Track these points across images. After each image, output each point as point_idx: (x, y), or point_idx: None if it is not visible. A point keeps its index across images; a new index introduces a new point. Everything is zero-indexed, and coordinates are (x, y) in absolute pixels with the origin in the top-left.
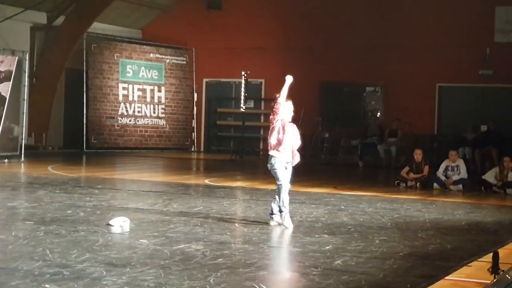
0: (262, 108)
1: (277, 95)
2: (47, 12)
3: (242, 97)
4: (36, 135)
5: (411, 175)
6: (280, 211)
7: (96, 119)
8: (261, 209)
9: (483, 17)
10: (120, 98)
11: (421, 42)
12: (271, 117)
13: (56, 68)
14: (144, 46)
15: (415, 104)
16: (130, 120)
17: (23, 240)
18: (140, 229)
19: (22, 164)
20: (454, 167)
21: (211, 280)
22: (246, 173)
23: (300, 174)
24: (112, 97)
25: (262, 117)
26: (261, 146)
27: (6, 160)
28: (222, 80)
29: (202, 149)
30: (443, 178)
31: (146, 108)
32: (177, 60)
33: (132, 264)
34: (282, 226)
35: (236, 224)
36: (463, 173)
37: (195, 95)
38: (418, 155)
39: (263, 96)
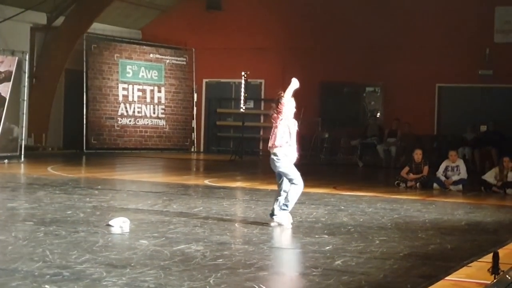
0: (262, 108)
1: (281, 94)
2: (47, 13)
3: (242, 98)
4: (36, 136)
5: (411, 175)
6: (281, 209)
7: (96, 120)
8: (261, 210)
9: (483, 17)
10: (120, 98)
11: (421, 42)
12: (274, 115)
13: (56, 68)
14: (144, 47)
15: (414, 104)
16: (130, 121)
17: (23, 241)
18: (140, 230)
19: (22, 164)
20: (454, 167)
21: (211, 281)
22: (246, 174)
23: (300, 174)
24: (112, 98)
25: (262, 118)
26: (261, 147)
27: (6, 161)
28: (222, 80)
29: (202, 149)
30: (443, 178)
31: (146, 108)
32: (177, 60)
33: (132, 265)
34: (282, 227)
35: (236, 224)
36: (463, 173)
37: (195, 95)
38: (417, 155)
39: (263, 97)
